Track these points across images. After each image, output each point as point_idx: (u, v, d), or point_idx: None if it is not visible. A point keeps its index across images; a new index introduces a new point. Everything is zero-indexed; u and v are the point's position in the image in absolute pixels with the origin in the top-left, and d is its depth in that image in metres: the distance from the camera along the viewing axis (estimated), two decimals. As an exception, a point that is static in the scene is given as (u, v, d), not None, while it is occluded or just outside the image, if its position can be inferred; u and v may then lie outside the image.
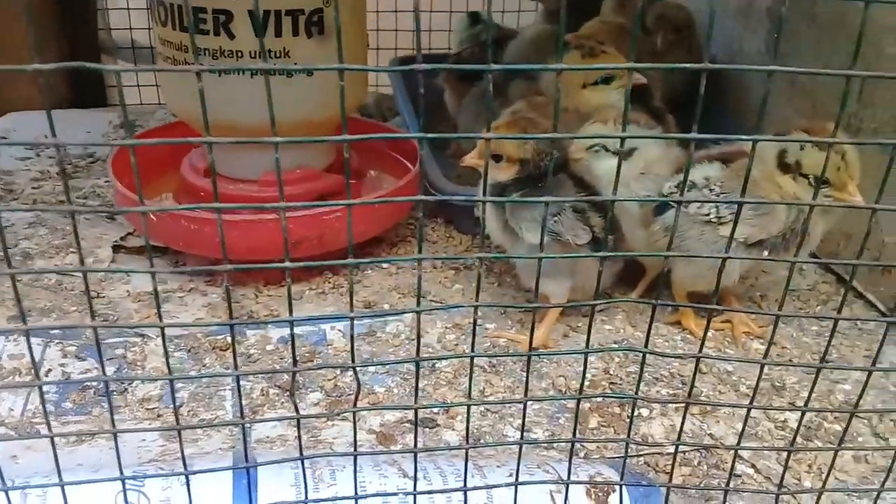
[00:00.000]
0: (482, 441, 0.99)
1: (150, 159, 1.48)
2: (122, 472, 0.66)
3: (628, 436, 0.72)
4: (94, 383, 1.07)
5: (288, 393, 1.05)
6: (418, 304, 0.66)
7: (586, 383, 1.11)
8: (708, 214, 1.09)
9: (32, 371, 0.92)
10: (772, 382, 1.11)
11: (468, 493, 0.71)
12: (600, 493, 0.79)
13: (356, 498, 0.71)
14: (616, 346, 1.18)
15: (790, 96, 1.50)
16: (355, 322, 1.22)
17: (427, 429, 1.01)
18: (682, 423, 0.71)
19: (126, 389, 1.07)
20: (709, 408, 1.06)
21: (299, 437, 0.67)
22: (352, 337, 0.63)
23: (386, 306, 1.28)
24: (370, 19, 2.02)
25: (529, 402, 1.05)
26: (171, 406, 1.03)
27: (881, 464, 0.98)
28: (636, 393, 0.70)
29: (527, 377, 0.68)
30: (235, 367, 0.65)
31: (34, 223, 1.48)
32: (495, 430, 1.02)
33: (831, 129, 1.00)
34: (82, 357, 1.13)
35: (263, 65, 0.55)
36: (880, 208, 0.62)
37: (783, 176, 1.07)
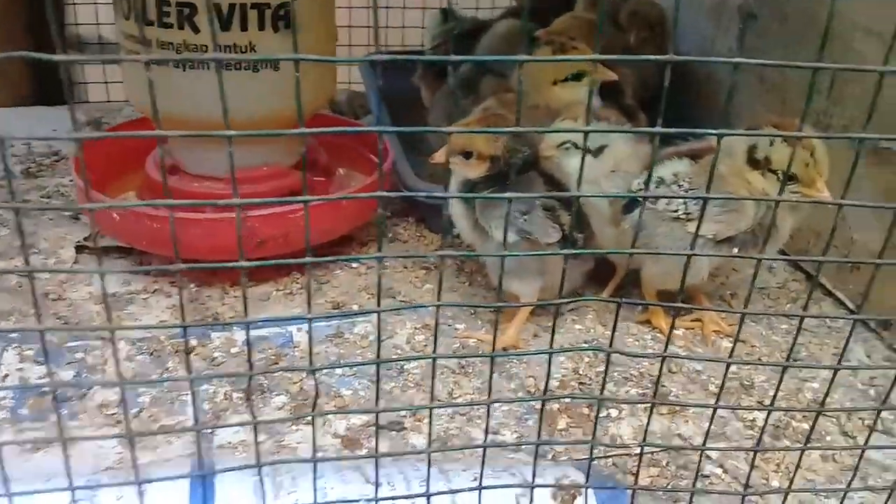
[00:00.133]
0: (450, 444, 0.98)
1: (115, 157, 1.45)
2: (71, 483, 0.64)
3: (593, 437, 0.71)
4: (54, 389, 1.04)
5: (251, 397, 1.02)
6: (378, 304, 0.64)
7: (556, 383, 1.10)
8: (676, 211, 1.09)
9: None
10: (741, 381, 1.11)
11: (431, 498, 0.70)
12: (566, 496, 0.78)
13: (316, 505, 0.69)
14: (585, 345, 1.16)
15: (761, 94, 1.50)
16: (322, 323, 1.21)
17: (394, 432, 1.00)
18: (648, 423, 0.70)
19: (85, 394, 1.04)
20: (678, 407, 1.05)
21: (256, 444, 0.66)
22: (310, 339, 0.61)
23: (355, 307, 1.26)
24: (344, 15, 2.01)
25: (498, 404, 1.04)
26: (131, 412, 1.01)
27: (849, 463, 0.98)
28: (601, 393, 0.69)
29: (490, 379, 0.67)
30: (189, 371, 0.63)
31: (-5, 223, 1.44)
32: (463, 432, 1.00)
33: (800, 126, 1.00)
34: (41, 361, 1.09)
35: (215, 55, 0.53)
36: (846, 203, 0.61)
37: (752, 172, 1.07)
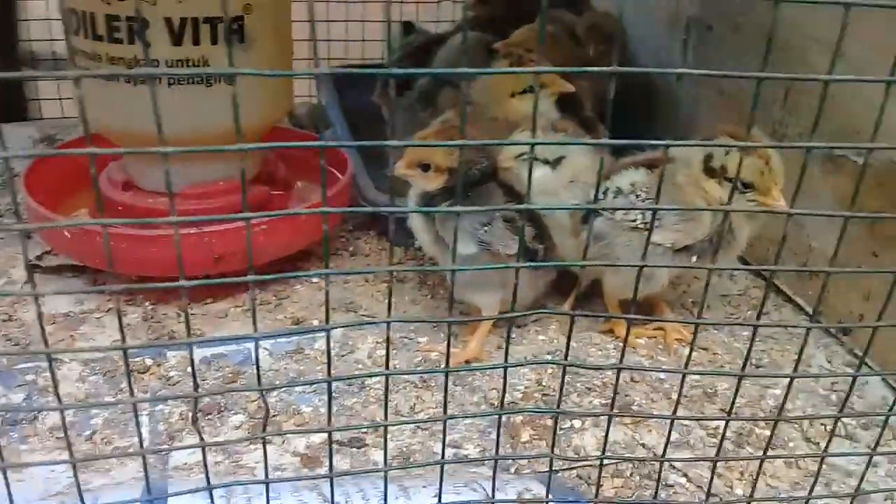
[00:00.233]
0: (412, 459, 0.96)
1: (69, 174, 1.42)
2: (12, 511, 0.61)
3: (552, 451, 0.70)
4: (3, 413, 1.01)
5: (209, 416, 1.00)
6: (327, 321, 0.63)
7: (519, 395, 1.09)
8: (634, 221, 1.09)
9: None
10: (703, 389, 1.11)
11: (389, 516, 0.68)
12: (528, 511, 0.77)
13: (270, 527, 0.67)
14: (545, 357, 1.16)
15: (720, 106, 1.52)
16: (282, 339, 1.19)
17: (355, 449, 0.98)
18: (607, 435, 0.69)
19: (36, 417, 1.01)
20: (646, 415, 1.05)
21: (205, 467, 0.64)
22: (256, 359, 0.60)
23: (315, 322, 1.24)
24: (304, 29, 1.99)
25: (461, 417, 1.03)
26: (83, 434, 0.98)
27: (813, 469, 0.98)
28: (558, 406, 0.68)
29: (445, 394, 0.66)
30: (131, 393, 0.60)
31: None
32: (426, 447, 0.99)
33: (756, 135, 1.01)
34: (-11, 384, 1.06)
35: (146, 72, 0.51)
36: (795, 212, 0.62)
37: (709, 181, 1.08)
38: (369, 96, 1.69)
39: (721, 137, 1.01)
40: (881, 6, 0.57)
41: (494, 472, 0.68)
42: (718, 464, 0.97)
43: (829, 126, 1.17)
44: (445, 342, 1.20)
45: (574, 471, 0.96)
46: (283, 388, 1.06)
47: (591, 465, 0.95)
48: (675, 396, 1.08)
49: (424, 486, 0.81)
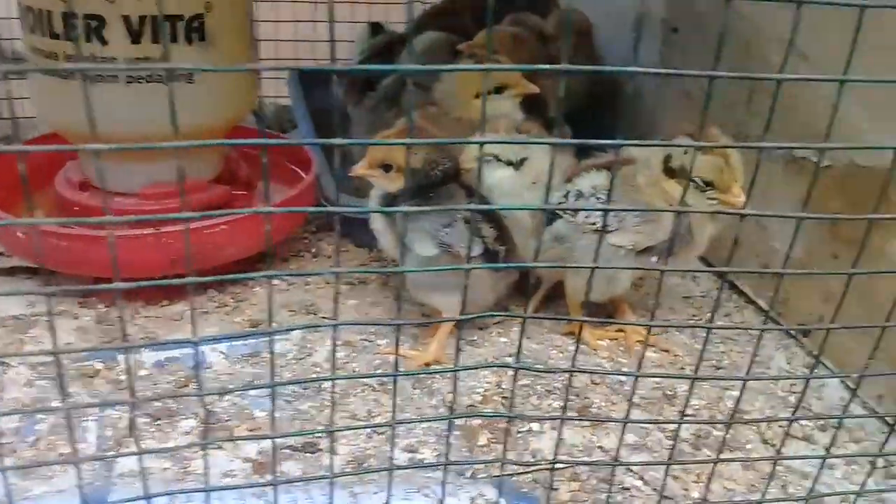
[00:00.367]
0: (367, 465, 0.95)
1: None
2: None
3: (504, 455, 0.69)
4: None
5: (158, 421, 0.98)
6: (270, 323, 0.61)
7: (479, 398, 1.08)
8: (594, 224, 1.08)
9: None
10: (663, 391, 1.10)
11: (334, 524, 0.67)
12: (479, 517, 0.75)
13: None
14: (510, 360, 1.15)
15: (686, 108, 1.52)
16: (239, 342, 1.17)
17: (309, 454, 0.96)
18: (558, 439, 0.68)
19: (-22, 423, 0.98)
20: (602, 418, 1.04)
21: (143, 475, 0.62)
22: (197, 363, 0.58)
23: (275, 324, 1.22)
24: (270, 28, 1.97)
25: (409, 423, 1.01)
26: (28, 440, 0.95)
27: (769, 471, 0.97)
28: (510, 410, 0.67)
29: (394, 399, 0.65)
30: (63, 399, 0.58)
31: None
32: (381, 452, 0.97)
33: (714, 134, 1.00)
34: (-68, 389, 1.03)
35: (81, 66, 0.50)
36: (747, 213, 0.61)
37: (669, 181, 1.07)
38: (336, 95, 1.67)
39: (680, 138, 1.01)
40: (832, 4, 0.57)
41: (444, 478, 0.67)
42: (676, 466, 0.96)
43: (792, 128, 1.17)
44: (405, 345, 1.20)
45: (531, 475, 0.95)
46: (238, 392, 1.04)
47: (545, 469, 0.94)
48: (634, 398, 1.08)
49: (375, 493, 0.79)
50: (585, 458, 0.97)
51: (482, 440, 0.99)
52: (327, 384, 1.07)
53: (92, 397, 1.03)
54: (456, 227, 1.12)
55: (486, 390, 1.09)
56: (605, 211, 0.59)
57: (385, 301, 1.32)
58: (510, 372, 1.12)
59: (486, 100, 1.30)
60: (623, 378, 1.12)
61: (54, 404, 1.02)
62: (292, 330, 0.77)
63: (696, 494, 0.93)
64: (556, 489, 0.91)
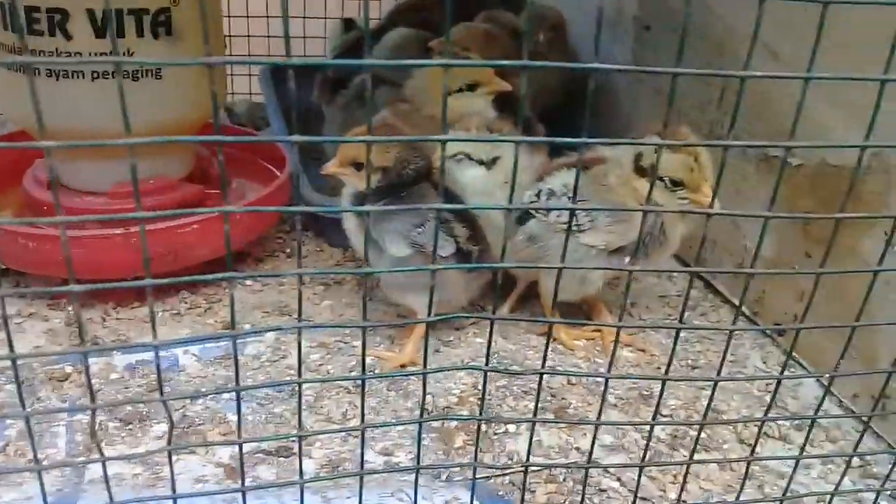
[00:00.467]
0: (342, 469, 0.94)
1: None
2: None
3: (475, 458, 0.68)
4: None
5: (130, 425, 0.96)
6: (233, 326, 0.60)
7: (455, 399, 1.07)
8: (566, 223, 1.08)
9: None
10: (640, 391, 1.10)
11: (304, 530, 0.66)
12: (452, 520, 0.75)
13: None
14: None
15: (658, 105, 1.52)
16: (211, 344, 1.15)
17: (282, 458, 0.95)
18: (530, 442, 0.67)
19: (-57, 430, 0.95)
20: (576, 419, 1.04)
21: (106, 482, 0.61)
22: (157, 367, 0.57)
23: (247, 326, 1.20)
24: (240, 24, 1.95)
25: (378, 426, 1.00)
26: (-6, 446, 0.93)
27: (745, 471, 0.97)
28: (480, 413, 0.67)
29: (362, 402, 0.64)
30: (22, 405, 0.57)
31: None
32: (356, 455, 0.96)
33: (683, 132, 1.00)
34: None
35: (26, 59, 0.48)
36: (714, 213, 0.61)
37: (640, 180, 1.07)
38: (310, 92, 1.66)
39: (649, 136, 1.01)
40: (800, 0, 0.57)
41: (416, 482, 0.66)
42: (653, 468, 0.96)
43: (766, 127, 1.18)
44: (381, 346, 1.19)
45: (507, 477, 0.95)
46: (210, 396, 1.02)
47: (519, 472, 0.94)
48: (611, 399, 1.08)
49: (349, 497, 0.78)
50: (562, 460, 0.97)
51: (458, 442, 0.98)
52: (301, 386, 1.06)
53: (62, 401, 1.01)
54: (428, 226, 1.11)
55: (462, 391, 1.08)
56: (572, 210, 0.58)
57: (360, 301, 1.30)
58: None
59: (460, 97, 1.29)
60: (599, 379, 1.12)
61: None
62: (259, 332, 0.76)
63: (672, 495, 0.93)
64: (532, 491, 0.91)
